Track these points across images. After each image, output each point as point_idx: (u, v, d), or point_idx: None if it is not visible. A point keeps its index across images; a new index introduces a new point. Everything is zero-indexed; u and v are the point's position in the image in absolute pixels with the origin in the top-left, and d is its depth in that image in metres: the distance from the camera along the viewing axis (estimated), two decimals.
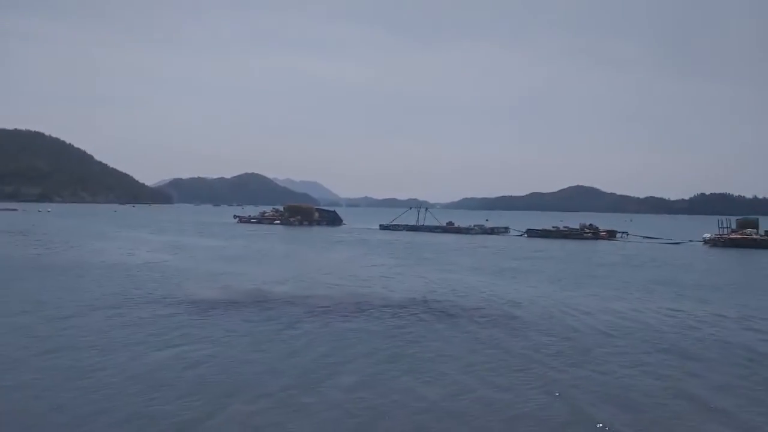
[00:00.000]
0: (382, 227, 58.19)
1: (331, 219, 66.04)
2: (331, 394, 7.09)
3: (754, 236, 41.00)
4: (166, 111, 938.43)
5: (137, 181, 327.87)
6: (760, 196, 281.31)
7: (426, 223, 56.88)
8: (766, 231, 41.80)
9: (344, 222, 66.46)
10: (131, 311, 11.99)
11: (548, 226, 53.80)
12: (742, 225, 43.69)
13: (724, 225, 43.78)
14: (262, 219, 66.61)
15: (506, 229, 57.13)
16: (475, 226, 56.42)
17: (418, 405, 6.81)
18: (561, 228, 51.54)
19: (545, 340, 10.30)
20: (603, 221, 70.66)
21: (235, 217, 72.95)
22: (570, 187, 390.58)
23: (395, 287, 16.68)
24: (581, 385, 7.70)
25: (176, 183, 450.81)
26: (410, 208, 63.50)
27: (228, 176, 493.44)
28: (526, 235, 50.45)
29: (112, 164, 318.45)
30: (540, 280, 19.46)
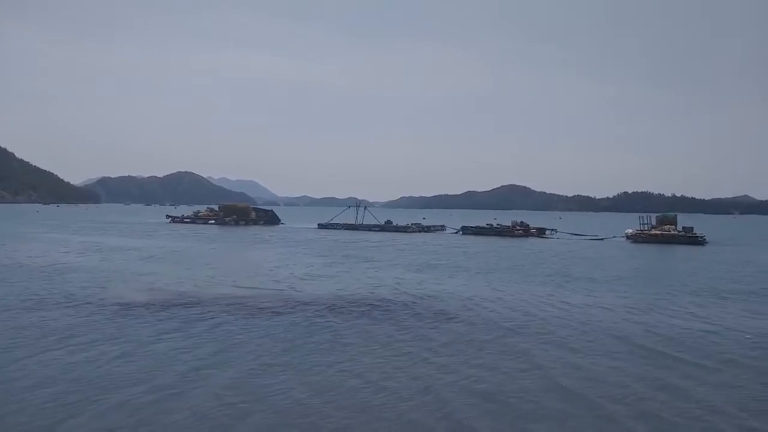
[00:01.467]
0: (321, 226, 57.95)
1: (269, 218, 65.09)
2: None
3: (673, 232, 43.64)
4: (92, 107, 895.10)
5: (62, 180, 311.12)
6: (678, 195, 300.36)
7: (365, 222, 57.11)
8: (683, 227, 44.64)
9: (282, 221, 65.70)
10: (30, 314, 11.59)
11: (482, 224, 55.25)
12: (662, 221, 46.38)
13: (645, 222, 46.37)
14: (196, 219, 64.77)
15: (442, 227, 58.30)
16: (412, 224, 57.15)
17: (283, 403, 6.84)
18: (494, 225, 53.07)
19: (429, 331, 10.72)
20: (534, 219, 73.38)
21: (167, 216, 70.61)
22: (503, 186, 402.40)
23: (305, 286, 16.60)
24: (454, 380, 7.83)
25: (104, 182, 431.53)
26: (349, 207, 63.52)
27: (160, 175, 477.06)
28: (461, 233, 51.65)
29: (34, 162, 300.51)
30: (454, 275, 20.14)
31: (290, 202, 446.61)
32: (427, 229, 56.07)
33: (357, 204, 62.44)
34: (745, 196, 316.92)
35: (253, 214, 65.26)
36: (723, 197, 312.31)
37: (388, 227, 55.50)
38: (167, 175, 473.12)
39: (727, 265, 25.86)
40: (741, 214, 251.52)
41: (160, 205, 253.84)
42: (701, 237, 42.32)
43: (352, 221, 57.63)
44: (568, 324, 11.72)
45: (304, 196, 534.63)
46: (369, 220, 57.61)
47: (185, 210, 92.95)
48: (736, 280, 20.17)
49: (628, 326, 11.59)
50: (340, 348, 9.41)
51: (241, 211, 64.02)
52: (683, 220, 50.22)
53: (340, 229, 55.34)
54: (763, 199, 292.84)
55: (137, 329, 10.42)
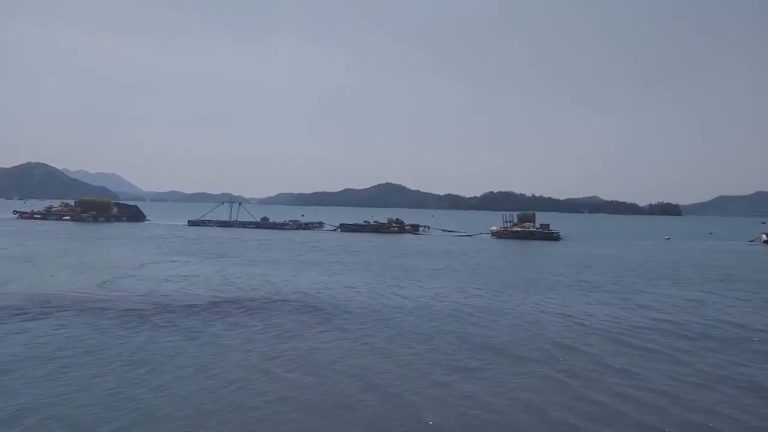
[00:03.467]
0: (191, 223, 55.33)
1: (132, 215, 60.83)
2: None
3: (531, 229, 47.35)
4: None
5: None
6: (537, 195, 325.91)
7: (239, 219, 55.48)
8: (541, 224, 48.58)
9: (148, 218, 61.82)
10: None
11: (360, 221, 56.08)
12: (522, 219, 50.18)
13: (508, 219, 49.99)
14: (48, 215, 58.89)
15: (320, 224, 58.36)
16: (290, 221, 56.49)
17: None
18: (371, 223, 54.09)
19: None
20: (408, 216, 75.82)
21: (15, 212, 63.39)
22: (380, 184, 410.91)
23: (157, 286, 15.84)
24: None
25: None
26: (222, 203, 61.51)
27: (6, 166, 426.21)
28: (339, 230, 52.00)
29: None
30: (316, 270, 20.43)
31: (157, 198, 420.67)
32: (305, 226, 55.73)
33: (231, 200, 60.51)
34: (594, 196, 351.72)
35: (115, 209, 60.58)
36: (576, 197, 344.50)
37: (264, 224, 54.39)
38: (15, 167, 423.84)
39: (572, 259, 28.56)
40: (590, 212, 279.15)
41: (7, 199, 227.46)
42: (556, 233, 46.33)
43: (225, 218, 55.73)
44: (386, 310, 12.79)
45: (173, 191, 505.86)
46: (244, 217, 56.05)
47: (36, 205, 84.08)
48: (570, 272, 22.38)
49: (444, 315, 12.64)
50: (150, 348, 9.13)
51: (100, 207, 59.15)
52: (541, 217, 54.50)
53: (212, 226, 53.23)
54: (609, 200, 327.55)
55: None
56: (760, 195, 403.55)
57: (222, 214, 57.13)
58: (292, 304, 13.26)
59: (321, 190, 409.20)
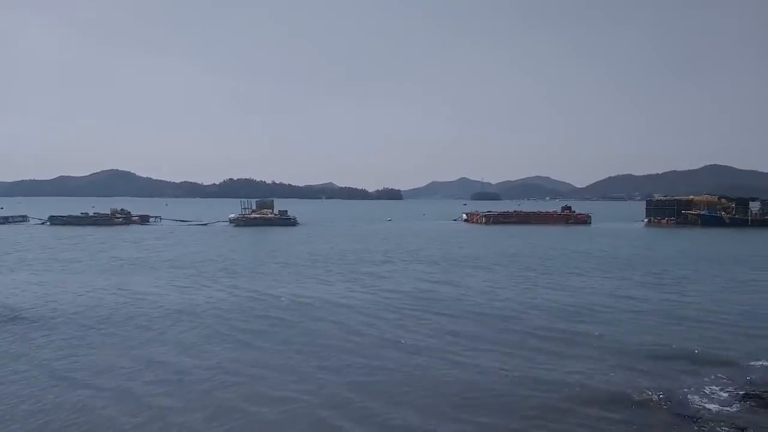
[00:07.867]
0: None
1: None
2: None
3: (270, 215, 47.74)
4: None
5: None
6: (278, 182, 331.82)
7: None
8: (279, 211, 49.21)
9: None
10: None
11: (77, 213, 49.42)
12: (261, 206, 50.22)
13: (246, 206, 49.47)
14: None
15: (24, 218, 50.02)
16: None
17: None
18: (91, 214, 48.16)
19: None
20: (138, 206, 69.76)
21: None
22: (103, 171, 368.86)
23: None
24: None
25: None
26: None
27: None
28: (48, 223, 44.97)
29: None
30: None
31: None
32: (4, 221, 46.93)
33: None
34: (330, 183, 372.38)
35: None
36: (313, 184, 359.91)
37: None
38: None
39: (300, 245, 29.65)
40: (327, 198, 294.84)
41: None
42: (293, 219, 47.62)
43: None
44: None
45: None
46: None
47: None
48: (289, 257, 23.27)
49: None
50: None
51: None
52: (280, 204, 55.28)
53: None
54: (343, 186, 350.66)
55: None
56: (463, 180, 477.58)
57: None
58: None
59: (28, 178, 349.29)
